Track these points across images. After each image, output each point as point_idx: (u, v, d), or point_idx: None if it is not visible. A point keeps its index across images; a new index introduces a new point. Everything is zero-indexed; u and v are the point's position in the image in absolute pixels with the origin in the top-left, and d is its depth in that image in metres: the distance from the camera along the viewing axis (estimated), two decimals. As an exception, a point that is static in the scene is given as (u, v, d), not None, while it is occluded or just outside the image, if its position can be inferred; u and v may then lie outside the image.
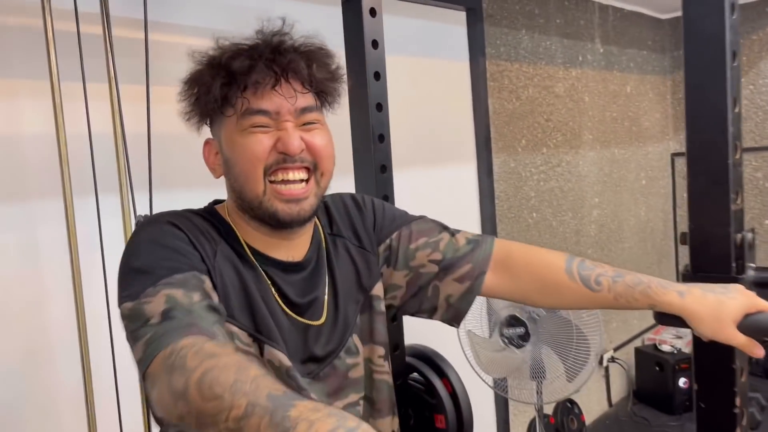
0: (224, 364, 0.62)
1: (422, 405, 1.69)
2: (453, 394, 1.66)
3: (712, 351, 1.03)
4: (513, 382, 2.08)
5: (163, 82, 1.63)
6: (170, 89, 1.64)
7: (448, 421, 1.64)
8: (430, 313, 1.06)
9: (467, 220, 2.67)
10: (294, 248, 0.93)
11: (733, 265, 1.04)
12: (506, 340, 1.89)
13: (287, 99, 0.86)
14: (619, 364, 3.57)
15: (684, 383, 3.43)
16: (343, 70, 0.97)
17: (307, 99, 0.89)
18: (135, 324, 0.73)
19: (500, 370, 1.96)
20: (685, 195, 3.33)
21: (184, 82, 0.94)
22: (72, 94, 1.38)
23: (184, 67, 1.69)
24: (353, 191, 1.60)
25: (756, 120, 3.93)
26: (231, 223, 0.92)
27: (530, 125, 2.99)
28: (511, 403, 2.89)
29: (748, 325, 0.86)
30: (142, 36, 1.48)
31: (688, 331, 3.17)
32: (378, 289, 1.01)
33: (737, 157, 1.07)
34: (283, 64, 0.87)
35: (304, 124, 0.89)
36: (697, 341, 1.04)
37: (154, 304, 0.73)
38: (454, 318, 1.05)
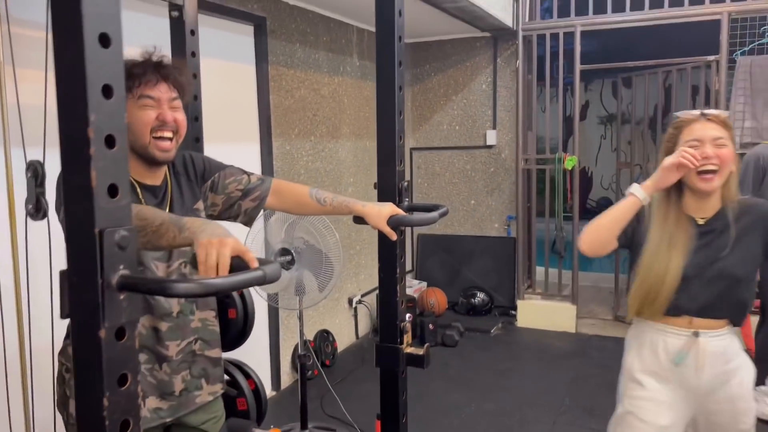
0: (148, 209, 1.33)
1: (221, 304, 2.46)
2: (242, 295, 2.46)
3: (386, 244, 1.95)
4: (282, 302, 2.93)
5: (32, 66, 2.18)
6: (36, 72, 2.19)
7: (238, 312, 2.44)
8: (235, 219, 1.83)
9: (251, 187, 3.47)
10: (156, 177, 1.65)
11: (397, 198, 1.99)
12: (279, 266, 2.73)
13: (164, 92, 1.56)
14: (365, 306, 4.65)
15: (409, 317, 4.60)
16: (191, 77, 1.70)
17: (173, 92, 1.59)
18: None
19: (275, 287, 2.80)
20: (419, 180, 4.52)
21: None
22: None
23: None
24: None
25: (467, 126, 5.29)
26: None
27: (301, 118, 3.87)
28: (282, 330, 3.75)
29: (391, 221, 1.79)
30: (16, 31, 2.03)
31: (415, 282, 4.42)
32: (198, 205, 1.74)
33: (401, 142, 2.02)
34: (163, 73, 1.56)
35: (172, 107, 1.60)
36: (381, 237, 1.95)
37: None
38: (248, 222, 1.83)
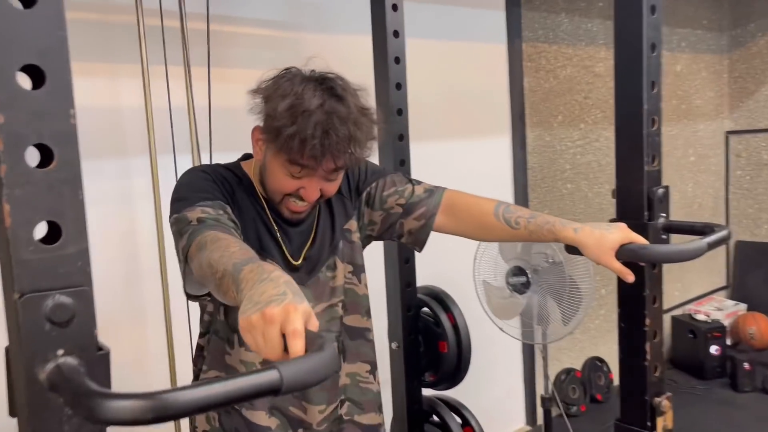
0: (219, 246, 0.96)
1: (430, 333, 2.04)
2: (455, 326, 2.01)
3: (626, 282, 1.31)
4: (522, 332, 2.38)
5: (228, 65, 2.04)
6: (232, 71, 2.04)
7: (449, 347, 1.99)
8: (399, 239, 1.39)
9: (500, 186, 2.97)
10: None
11: (645, 213, 1.32)
12: (511, 288, 2.19)
13: (325, 168, 1.14)
14: (654, 331, 3.77)
15: (716, 350, 3.59)
16: (372, 136, 1.18)
17: (338, 168, 1.17)
18: (180, 224, 1.10)
19: (508, 314, 2.27)
20: (739, 173, 3.50)
21: (270, 113, 1.13)
22: (158, 75, 1.81)
23: (244, 53, 2.07)
24: (377, 156, 1.96)
25: (811, 99, 3.94)
26: (251, 177, 1.26)
27: (567, 102, 3.22)
28: (537, 355, 3.18)
29: (622, 253, 1.14)
30: (214, 28, 1.88)
31: (729, 302, 3.42)
32: (351, 225, 1.33)
33: (653, 128, 1.34)
34: (337, 150, 1.10)
35: (326, 179, 1.18)
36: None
37: (193, 214, 1.09)
38: (415, 243, 1.37)
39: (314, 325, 0.76)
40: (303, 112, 1.08)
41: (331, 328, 1.28)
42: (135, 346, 1.95)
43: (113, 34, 1.82)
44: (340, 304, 1.30)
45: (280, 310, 0.73)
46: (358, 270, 1.34)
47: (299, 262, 1.26)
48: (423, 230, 1.33)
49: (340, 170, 1.19)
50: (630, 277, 1.17)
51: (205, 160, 1.89)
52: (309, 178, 1.16)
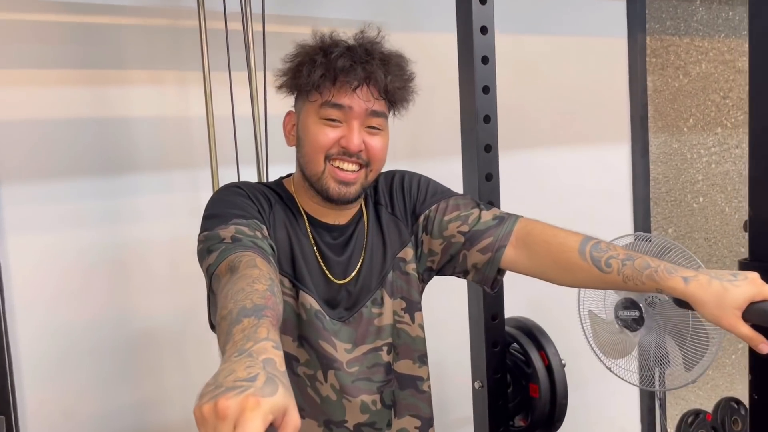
0: (249, 275, 0.82)
1: (519, 373, 1.78)
2: (548, 367, 1.73)
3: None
4: (629, 365, 2.04)
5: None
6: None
7: (541, 392, 1.72)
8: (464, 275, 1.16)
9: (616, 201, 2.62)
10: (340, 216, 1.11)
11: (791, 254, 1.00)
12: (620, 323, 1.87)
13: (363, 101, 1.03)
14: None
15: None
16: (414, 82, 1.10)
17: (377, 105, 1.05)
18: (210, 242, 0.96)
19: (618, 352, 1.95)
20: None
21: (289, 59, 1.09)
22: (223, 81, 1.69)
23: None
24: (460, 170, 1.73)
25: None
26: (291, 191, 1.12)
27: (701, 103, 2.79)
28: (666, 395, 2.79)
29: (752, 313, 0.84)
30: (281, 30, 1.74)
31: None
32: (405, 253, 1.13)
33: (804, 140, 1.01)
34: (368, 71, 1.02)
35: (368, 127, 1.05)
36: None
37: (227, 231, 0.96)
38: (482, 282, 1.14)
39: (292, 423, 0.57)
40: (329, 42, 1.06)
41: (373, 377, 1.09)
42: (204, 366, 1.86)
43: (182, 39, 1.74)
44: (386, 347, 1.10)
45: (237, 404, 0.55)
46: (413, 307, 1.13)
47: (338, 293, 1.08)
48: (490, 265, 1.10)
49: (379, 115, 1.06)
50: (764, 346, 0.87)
51: (274, 173, 1.76)
52: (347, 123, 1.04)
